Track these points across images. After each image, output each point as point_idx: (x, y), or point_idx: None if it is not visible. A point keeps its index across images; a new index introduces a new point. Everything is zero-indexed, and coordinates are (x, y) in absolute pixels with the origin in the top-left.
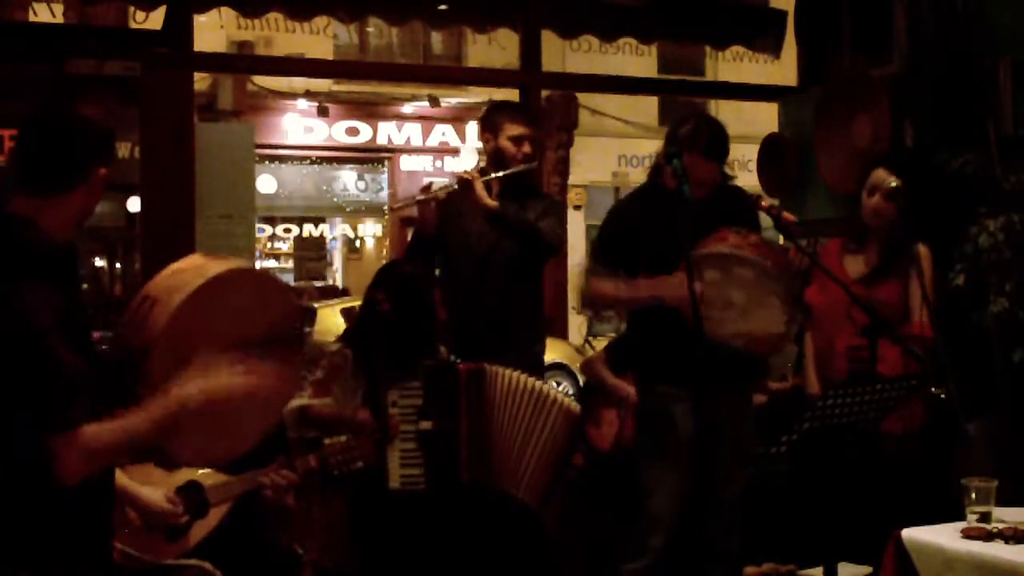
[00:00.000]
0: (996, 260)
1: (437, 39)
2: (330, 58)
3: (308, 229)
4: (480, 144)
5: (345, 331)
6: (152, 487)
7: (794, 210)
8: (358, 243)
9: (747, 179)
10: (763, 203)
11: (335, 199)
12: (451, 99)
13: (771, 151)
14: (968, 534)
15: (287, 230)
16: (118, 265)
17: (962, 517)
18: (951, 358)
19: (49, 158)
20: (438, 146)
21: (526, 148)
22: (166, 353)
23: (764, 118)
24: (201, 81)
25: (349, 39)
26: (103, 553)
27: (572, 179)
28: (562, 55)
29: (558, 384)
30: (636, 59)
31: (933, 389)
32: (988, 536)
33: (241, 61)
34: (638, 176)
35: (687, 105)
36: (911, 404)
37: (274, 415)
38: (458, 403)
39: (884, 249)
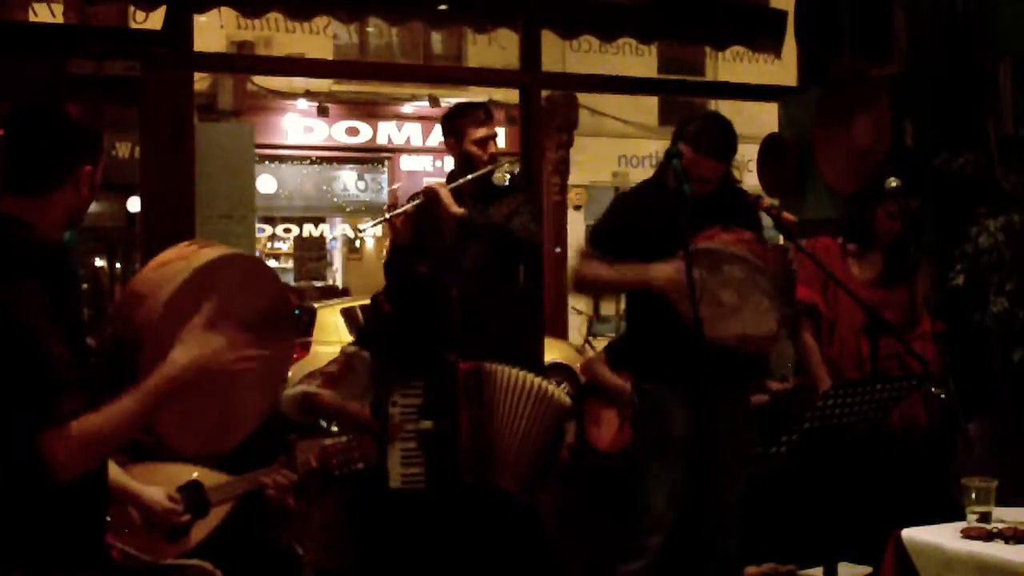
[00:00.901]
0: (996, 260)
1: (437, 39)
2: (330, 58)
3: (308, 229)
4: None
5: (360, 332)
6: (153, 487)
7: (794, 210)
8: (358, 243)
9: (747, 179)
10: (763, 203)
11: (335, 199)
12: (451, 99)
13: (771, 151)
14: (968, 534)
15: (287, 230)
16: (118, 265)
17: (962, 517)
18: (951, 358)
19: (32, 157)
20: (438, 146)
21: (491, 148)
22: (158, 347)
23: (764, 118)
24: (201, 81)
25: (349, 39)
26: (98, 552)
27: (572, 179)
28: (562, 55)
29: (558, 384)
30: (636, 59)
31: (933, 389)
32: (988, 536)
33: (241, 61)
34: (638, 176)
35: (687, 105)
36: (911, 404)
37: (269, 397)
38: (458, 402)
39: (889, 254)
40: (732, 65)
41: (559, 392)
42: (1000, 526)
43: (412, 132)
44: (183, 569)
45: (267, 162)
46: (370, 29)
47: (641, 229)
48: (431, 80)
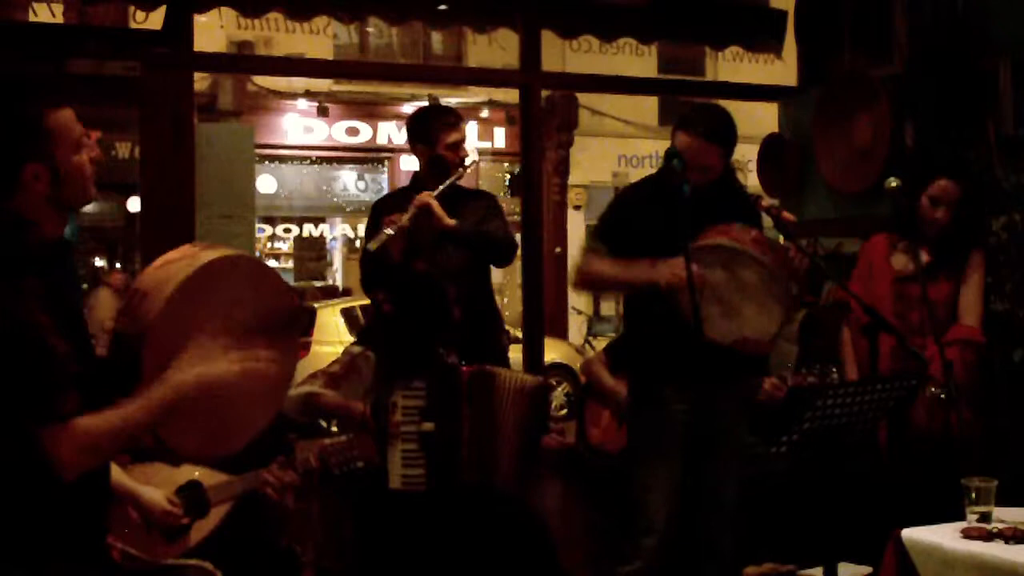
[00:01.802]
0: (996, 260)
1: (437, 39)
2: (330, 58)
3: (308, 229)
4: (477, 144)
5: (362, 332)
6: (153, 487)
7: (794, 210)
8: (358, 243)
9: (747, 179)
10: (763, 203)
11: (335, 199)
12: (451, 99)
13: (771, 151)
14: (968, 534)
15: (287, 230)
16: (118, 265)
17: (962, 517)
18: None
19: None
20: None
21: (463, 152)
22: (160, 344)
23: (764, 118)
24: (201, 81)
25: (349, 39)
26: (99, 551)
27: (572, 179)
28: (562, 55)
29: (558, 384)
30: (636, 59)
31: (933, 389)
32: (988, 536)
33: (241, 61)
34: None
35: (687, 105)
36: (912, 404)
37: (275, 402)
38: (460, 405)
39: (937, 249)
40: (732, 65)
41: (528, 377)
42: (1000, 526)
43: None
44: (183, 569)
45: (267, 162)
46: (370, 29)
47: (645, 226)
48: (431, 80)
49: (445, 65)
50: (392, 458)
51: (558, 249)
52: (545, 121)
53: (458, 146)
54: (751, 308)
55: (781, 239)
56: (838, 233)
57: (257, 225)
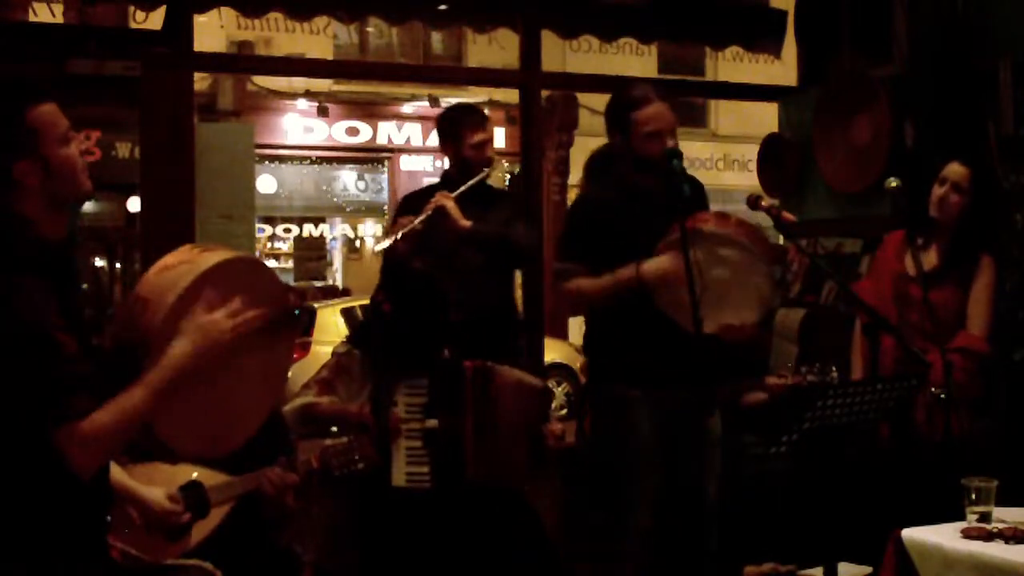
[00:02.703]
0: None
1: (437, 39)
2: (330, 58)
3: (308, 229)
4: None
5: (353, 331)
6: (154, 487)
7: (794, 210)
8: (358, 243)
9: (747, 179)
10: (763, 203)
11: (335, 199)
12: (451, 99)
13: (771, 151)
14: (968, 534)
15: (287, 230)
16: (118, 265)
17: (962, 517)
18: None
19: None
20: (438, 146)
21: (488, 152)
22: (162, 351)
23: (764, 118)
24: (201, 81)
25: (349, 39)
26: (99, 550)
27: (572, 179)
28: (562, 55)
29: (558, 384)
30: (636, 59)
31: (933, 389)
32: (988, 536)
33: (241, 61)
34: None
35: (687, 105)
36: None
37: (271, 397)
38: (464, 401)
39: (948, 251)
40: (732, 65)
41: (532, 377)
42: (1000, 526)
43: (412, 132)
44: (183, 569)
45: (267, 162)
46: (370, 29)
47: (619, 226)
48: (431, 80)
49: (445, 65)
50: (396, 456)
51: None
52: (545, 121)
53: (483, 146)
54: (735, 294)
55: (781, 239)
56: (838, 233)
57: (257, 225)
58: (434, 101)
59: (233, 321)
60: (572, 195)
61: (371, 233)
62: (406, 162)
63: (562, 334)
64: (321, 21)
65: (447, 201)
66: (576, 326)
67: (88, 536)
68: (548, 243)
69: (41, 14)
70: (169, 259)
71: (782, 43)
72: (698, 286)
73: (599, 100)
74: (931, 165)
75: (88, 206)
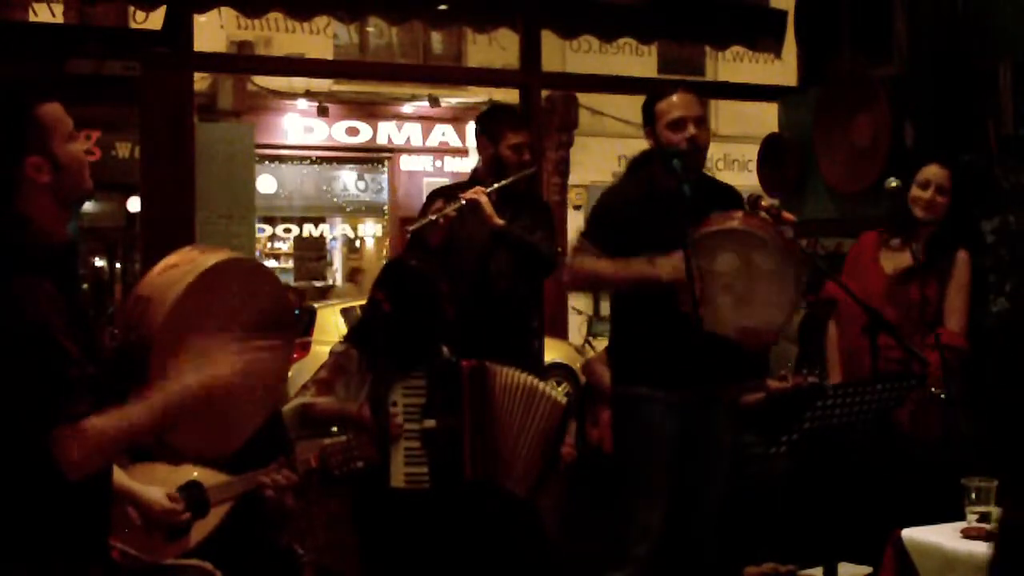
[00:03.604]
0: (996, 260)
1: (437, 39)
2: (330, 58)
3: (308, 229)
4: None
5: (350, 331)
6: (153, 487)
7: (794, 210)
8: (358, 243)
9: (747, 179)
10: (763, 203)
11: (335, 199)
12: (451, 99)
13: (771, 151)
14: (968, 534)
15: (287, 230)
16: (118, 265)
17: (962, 517)
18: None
19: None
20: (438, 146)
21: (525, 155)
22: (165, 350)
23: (764, 118)
24: (201, 81)
25: (349, 39)
26: (100, 550)
27: (572, 179)
28: (562, 55)
29: (558, 383)
30: (636, 59)
31: (933, 389)
32: (988, 536)
33: (241, 61)
34: None
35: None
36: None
37: (272, 398)
38: (461, 400)
39: (927, 248)
40: (732, 65)
41: (557, 392)
42: None
43: (412, 132)
44: (183, 569)
45: (267, 162)
46: (370, 29)
47: (637, 223)
48: (431, 80)
49: (445, 65)
50: (395, 457)
51: (559, 249)
52: (545, 121)
53: (521, 148)
54: (763, 295)
55: None
56: (838, 233)
57: (257, 225)
58: (434, 101)
59: (243, 356)
60: (572, 195)
61: (371, 233)
62: (406, 162)
63: (562, 334)
64: (321, 21)
65: (482, 196)
66: (576, 326)
67: (88, 536)
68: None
69: (41, 14)
70: (170, 259)
71: (782, 43)
72: (722, 285)
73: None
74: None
75: (88, 206)
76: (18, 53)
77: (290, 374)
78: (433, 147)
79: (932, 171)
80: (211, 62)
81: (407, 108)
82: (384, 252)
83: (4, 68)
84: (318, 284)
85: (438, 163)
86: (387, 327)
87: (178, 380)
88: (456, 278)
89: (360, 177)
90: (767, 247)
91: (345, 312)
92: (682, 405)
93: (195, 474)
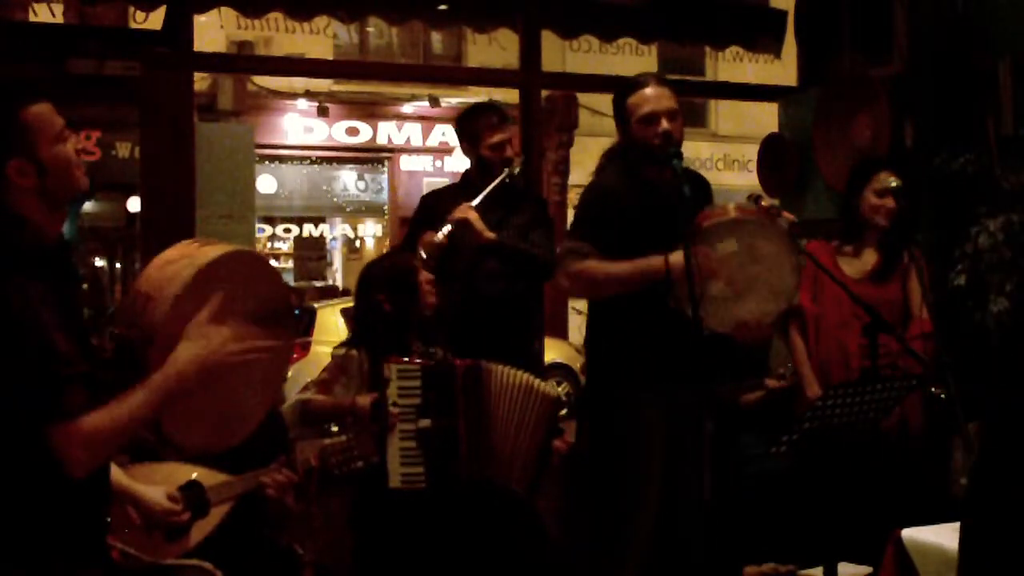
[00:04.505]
0: (996, 260)
1: (437, 39)
2: (330, 58)
3: (308, 229)
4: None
5: (351, 333)
6: (153, 487)
7: (794, 210)
8: (358, 243)
9: (747, 179)
10: (763, 203)
11: (335, 199)
12: (451, 99)
13: (771, 151)
14: None
15: (287, 230)
16: (118, 265)
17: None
18: (951, 358)
19: None
20: (438, 146)
21: (507, 152)
22: (166, 346)
23: (764, 118)
24: (201, 81)
25: (349, 39)
26: (99, 551)
27: (572, 179)
28: (562, 55)
29: (558, 383)
30: (636, 59)
31: (933, 389)
32: None
33: (241, 61)
34: None
35: (686, 105)
36: (911, 404)
37: (271, 392)
38: (456, 400)
39: (883, 250)
40: (732, 65)
41: (549, 386)
42: None
43: (412, 132)
44: (183, 569)
45: (267, 162)
46: (370, 29)
47: (634, 222)
48: (431, 80)
49: (445, 65)
50: (391, 458)
51: (559, 249)
52: (545, 121)
53: (502, 147)
54: (763, 283)
55: None
56: (832, 235)
57: (257, 225)
58: (434, 101)
59: (242, 348)
60: (572, 195)
61: (371, 233)
62: (406, 162)
63: (562, 334)
64: (321, 21)
65: (469, 213)
66: (576, 326)
67: (88, 537)
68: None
69: (41, 14)
70: (169, 254)
71: (782, 43)
72: (723, 278)
73: (599, 100)
74: (931, 165)
75: (88, 206)
76: (18, 53)
77: (290, 374)
78: (433, 147)
79: (886, 178)
80: (211, 62)
81: (407, 108)
82: (384, 252)
83: (4, 68)
84: (318, 284)
85: (438, 163)
86: (388, 327)
87: (174, 363)
88: (452, 279)
89: (360, 177)
90: (768, 233)
91: (345, 312)
92: (669, 403)
93: (195, 474)
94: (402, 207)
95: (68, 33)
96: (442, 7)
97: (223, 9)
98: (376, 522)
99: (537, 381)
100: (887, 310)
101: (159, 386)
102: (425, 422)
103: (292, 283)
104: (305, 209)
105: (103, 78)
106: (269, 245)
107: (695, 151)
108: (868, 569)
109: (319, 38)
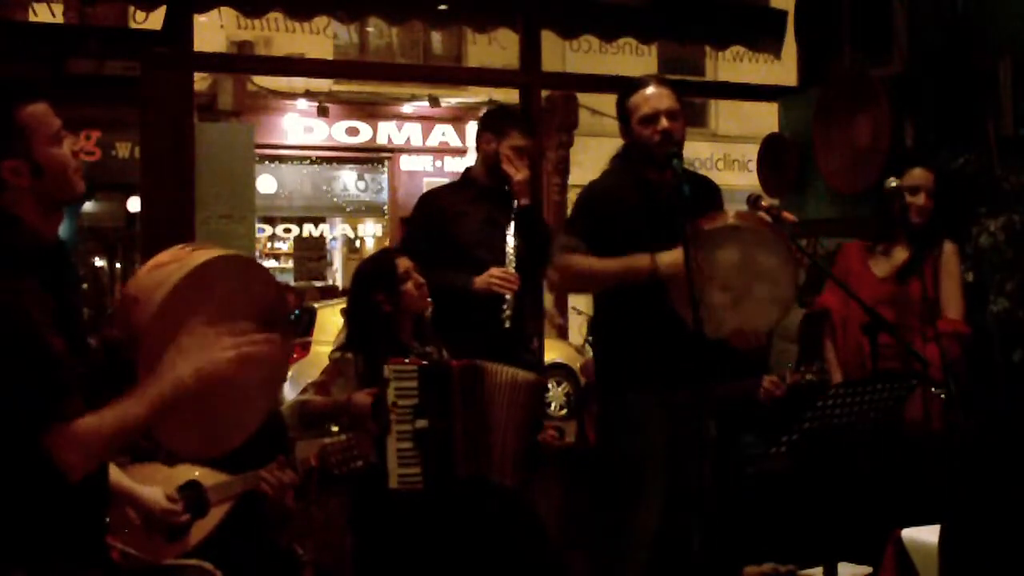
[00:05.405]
0: (996, 260)
1: (437, 39)
2: (330, 58)
3: (308, 229)
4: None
5: (346, 339)
6: (153, 487)
7: (794, 210)
8: (358, 243)
9: (747, 179)
10: (763, 203)
11: (335, 199)
12: (451, 99)
13: (771, 151)
14: None
15: (287, 230)
16: (118, 265)
17: None
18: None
19: None
20: (438, 146)
21: (523, 159)
22: (154, 348)
23: (764, 118)
24: (201, 81)
25: (349, 39)
26: (99, 551)
27: (572, 179)
28: (562, 55)
29: (558, 384)
30: (636, 59)
31: (933, 389)
32: None
33: (241, 61)
34: None
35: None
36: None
37: (269, 397)
38: (452, 400)
39: (914, 246)
40: (732, 65)
41: (526, 374)
42: None
43: (412, 132)
44: (183, 569)
45: (267, 162)
46: (370, 29)
47: (631, 221)
48: (431, 80)
49: (445, 65)
50: (389, 458)
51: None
52: (545, 121)
53: (521, 152)
54: (760, 293)
55: None
56: (838, 233)
57: (257, 225)
58: (434, 101)
59: (238, 348)
60: (572, 195)
61: (371, 233)
62: (406, 162)
63: (562, 334)
64: (321, 21)
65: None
66: (576, 326)
67: (87, 537)
68: None
69: (41, 14)
70: (160, 257)
71: (782, 43)
72: (719, 285)
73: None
74: (931, 165)
75: (88, 206)
76: (18, 53)
77: (290, 374)
78: (433, 147)
79: (920, 175)
80: (211, 62)
81: (407, 108)
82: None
83: (4, 68)
84: (318, 284)
85: (438, 163)
86: (388, 327)
87: (171, 370)
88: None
89: (360, 177)
90: (768, 244)
91: (345, 312)
92: (671, 405)
93: (195, 474)
94: (402, 207)
95: (68, 33)
96: (442, 7)
97: (223, 9)
98: (376, 522)
99: (520, 373)
100: (908, 307)
101: (156, 395)
102: (422, 423)
103: (292, 283)
104: (305, 209)
105: (103, 78)
106: (269, 245)
107: (695, 151)
108: (868, 569)
109: (319, 38)
